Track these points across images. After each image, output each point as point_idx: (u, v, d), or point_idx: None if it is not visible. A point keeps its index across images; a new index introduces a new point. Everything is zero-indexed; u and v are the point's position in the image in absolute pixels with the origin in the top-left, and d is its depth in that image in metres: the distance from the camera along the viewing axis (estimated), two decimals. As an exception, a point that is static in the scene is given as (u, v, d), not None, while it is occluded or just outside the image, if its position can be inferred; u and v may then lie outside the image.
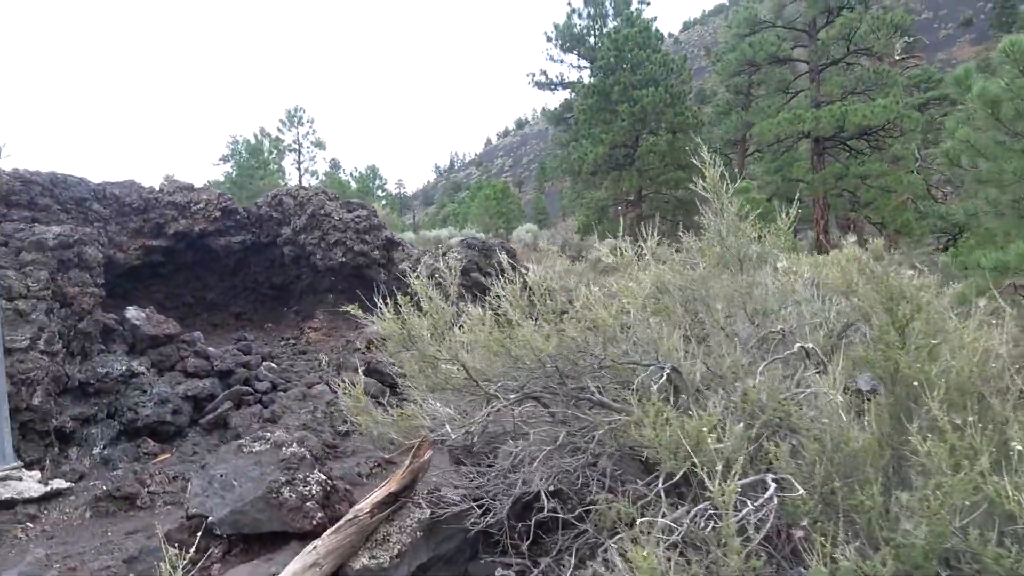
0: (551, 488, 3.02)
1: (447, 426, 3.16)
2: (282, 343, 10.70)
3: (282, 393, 6.78)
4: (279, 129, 44.69)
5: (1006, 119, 8.21)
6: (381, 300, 3.16)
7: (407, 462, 3.16)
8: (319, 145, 45.36)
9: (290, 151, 44.66)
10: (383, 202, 42.47)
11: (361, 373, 3.55)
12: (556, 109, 39.17)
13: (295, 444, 3.57)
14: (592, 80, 31.56)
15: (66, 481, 5.26)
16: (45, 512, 4.89)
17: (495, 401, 3.13)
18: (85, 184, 10.30)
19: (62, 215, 9.71)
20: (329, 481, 3.50)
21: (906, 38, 39.97)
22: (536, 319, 2.96)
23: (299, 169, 45.00)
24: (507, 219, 40.67)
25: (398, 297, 3.05)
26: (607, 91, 29.20)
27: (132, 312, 6.75)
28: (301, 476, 3.39)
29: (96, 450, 5.87)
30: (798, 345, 3.44)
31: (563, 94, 38.10)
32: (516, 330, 2.79)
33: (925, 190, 31.61)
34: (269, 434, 3.69)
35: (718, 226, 3.87)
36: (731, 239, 3.86)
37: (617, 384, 3.36)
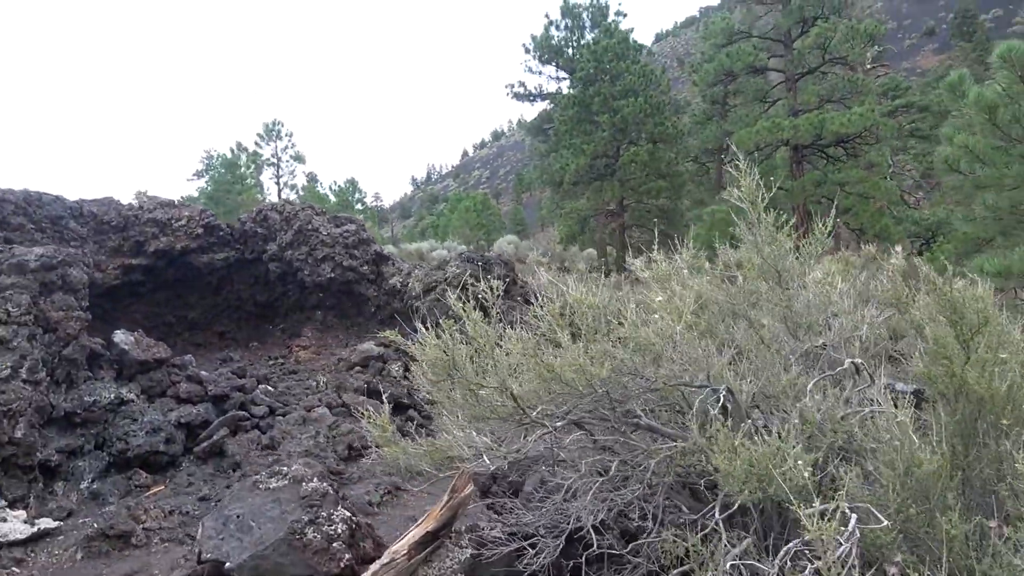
0: (597, 520, 2.80)
1: (484, 456, 2.93)
2: (270, 363, 10.36)
3: (280, 417, 6.47)
4: (257, 143, 44.15)
5: (1003, 124, 8.21)
6: (421, 325, 2.93)
7: (445, 498, 2.92)
8: (298, 159, 44.88)
9: (268, 165, 44.08)
10: (362, 215, 42.09)
11: (386, 400, 3.30)
12: (535, 120, 39.18)
13: (316, 479, 3.31)
14: (572, 91, 31.58)
15: (53, 520, 4.92)
16: (32, 555, 4.55)
17: (537, 428, 2.91)
18: (61, 202, 9.92)
19: (37, 234, 9.32)
20: (353, 518, 3.24)
21: (876, 47, 40.75)
22: (584, 340, 2.75)
23: (278, 183, 44.44)
24: (487, 231, 40.56)
25: (440, 320, 2.81)
26: (587, 102, 29.22)
27: (120, 336, 6.41)
28: (325, 514, 3.12)
29: (84, 484, 5.52)
30: (848, 361, 3.27)
31: (542, 105, 38.14)
32: (567, 353, 2.58)
33: (898, 196, 32.13)
34: (286, 468, 3.42)
35: (755, 237, 3.69)
36: (767, 250, 3.69)
37: (662, 407, 3.16)
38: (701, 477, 2.90)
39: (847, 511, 2.47)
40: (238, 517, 3.14)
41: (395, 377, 7.88)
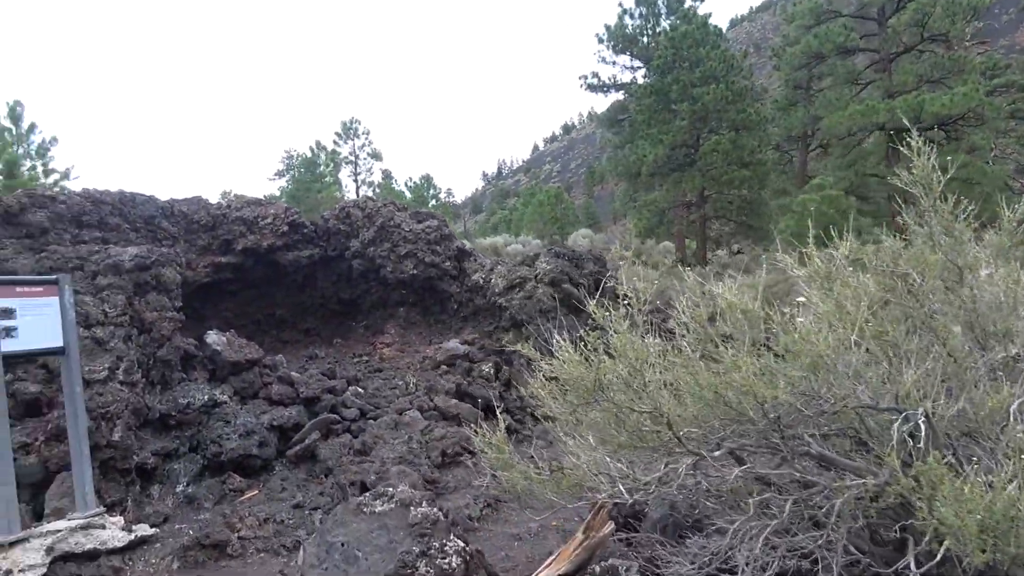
0: (773, 573, 2.35)
1: (621, 485, 2.53)
2: (355, 360, 10.24)
3: (372, 421, 6.24)
4: (335, 142, 44.94)
5: None
6: (560, 336, 2.56)
7: (579, 536, 2.54)
8: (375, 156, 45.43)
9: (347, 163, 44.82)
10: (437, 211, 42.26)
11: (499, 412, 2.94)
12: (608, 111, 38.33)
13: (424, 503, 2.98)
14: (649, 80, 30.69)
15: (150, 525, 4.81)
16: (130, 563, 4.43)
17: (683, 456, 2.48)
18: (153, 202, 10.04)
19: (131, 234, 9.44)
20: (467, 548, 2.90)
21: (976, 22, 38.22)
22: (747, 354, 2.31)
23: (356, 181, 45.14)
24: (561, 224, 40.02)
25: (581, 332, 2.42)
26: (665, 90, 28.31)
27: (212, 337, 6.32)
28: (437, 544, 2.79)
29: (180, 488, 5.41)
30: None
31: (615, 96, 37.27)
32: (733, 372, 2.15)
33: (1003, 181, 29.98)
34: (391, 489, 3.11)
35: (929, 228, 3.16)
36: (944, 242, 3.14)
37: (833, 433, 2.68)
38: (893, 519, 2.43)
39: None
40: (343, 545, 2.85)
41: (485, 378, 7.56)
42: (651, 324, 2.45)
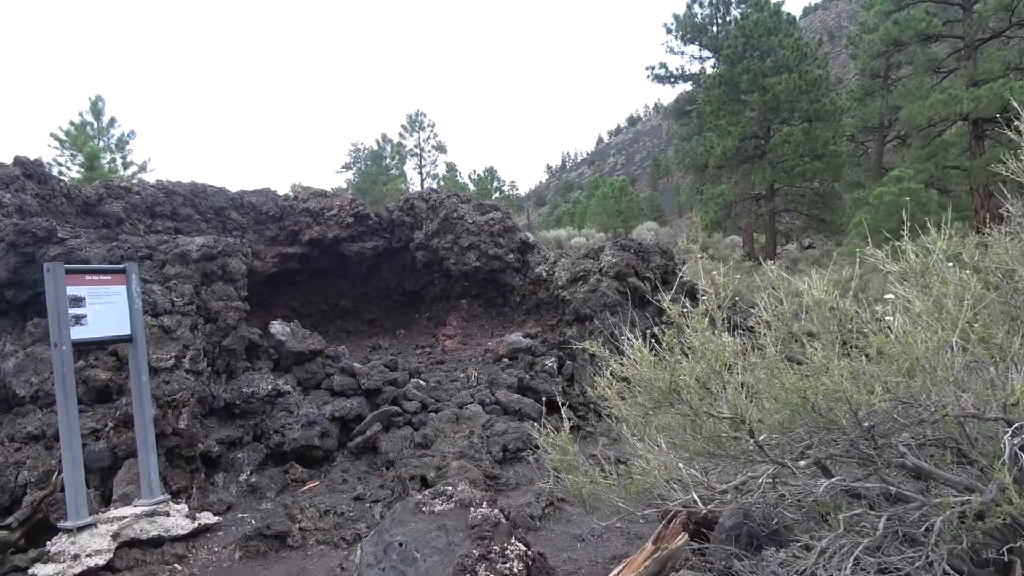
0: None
1: (695, 494, 2.35)
2: (417, 351, 10.26)
3: (433, 414, 6.19)
4: (401, 134, 45.54)
5: None
6: (632, 333, 2.39)
7: (648, 546, 2.37)
8: (440, 148, 45.88)
9: (412, 155, 45.39)
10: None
11: (563, 409, 2.79)
12: (675, 103, 37.56)
13: (485, 504, 2.86)
14: (718, 69, 29.87)
15: (213, 514, 4.86)
16: (193, 551, 4.47)
17: (768, 466, 2.28)
18: (224, 194, 10.30)
19: (202, 224, 9.71)
20: (528, 553, 2.77)
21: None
22: (839, 356, 2.10)
23: (420, 173, 45.68)
24: (625, 218, 39.48)
25: (655, 330, 2.26)
26: (735, 80, 27.48)
27: (276, 327, 6.38)
28: (498, 548, 2.67)
29: (243, 476, 5.47)
30: None
31: (682, 87, 36.48)
32: (823, 375, 1.94)
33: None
34: (451, 488, 3.01)
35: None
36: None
37: (931, 443, 2.44)
38: (997, 539, 2.18)
39: None
40: (400, 545, 2.76)
41: (547, 373, 7.42)
42: (728, 321, 2.25)
